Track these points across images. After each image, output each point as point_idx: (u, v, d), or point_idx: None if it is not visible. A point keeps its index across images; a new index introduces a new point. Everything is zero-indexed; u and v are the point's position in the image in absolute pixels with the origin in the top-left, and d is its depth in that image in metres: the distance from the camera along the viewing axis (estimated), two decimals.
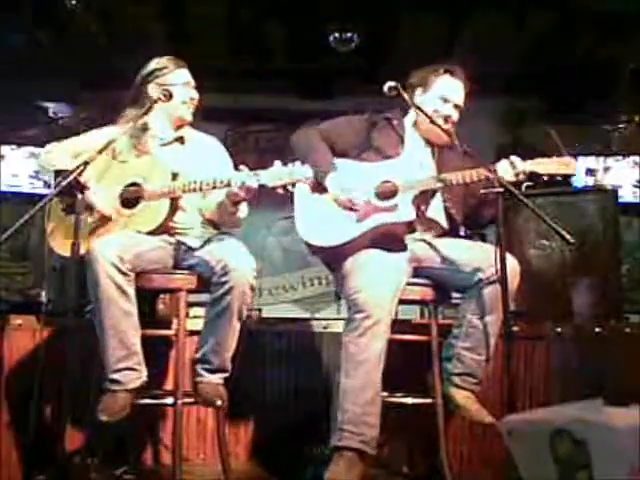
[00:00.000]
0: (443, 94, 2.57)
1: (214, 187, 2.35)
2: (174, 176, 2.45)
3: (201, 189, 2.37)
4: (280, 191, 2.25)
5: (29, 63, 4.91)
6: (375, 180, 2.50)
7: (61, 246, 2.47)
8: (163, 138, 2.62)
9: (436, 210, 2.57)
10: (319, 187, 2.49)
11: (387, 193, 2.47)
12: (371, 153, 2.57)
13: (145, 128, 2.59)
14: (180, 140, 2.64)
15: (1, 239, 2.01)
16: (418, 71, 2.67)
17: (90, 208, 2.42)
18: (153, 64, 2.62)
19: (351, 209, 2.45)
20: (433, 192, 2.53)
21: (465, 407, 2.35)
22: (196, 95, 2.64)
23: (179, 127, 2.65)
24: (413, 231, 2.53)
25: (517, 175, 2.36)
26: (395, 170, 2.50)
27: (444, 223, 2.58)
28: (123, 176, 2.50)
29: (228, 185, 2.31)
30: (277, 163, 2.24)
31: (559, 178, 2.35)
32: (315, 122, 2.67)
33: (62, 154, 2.52)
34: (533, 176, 2.35)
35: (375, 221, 2.44)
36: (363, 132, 2.62)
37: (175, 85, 2.55)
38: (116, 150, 2.54)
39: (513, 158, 2.38)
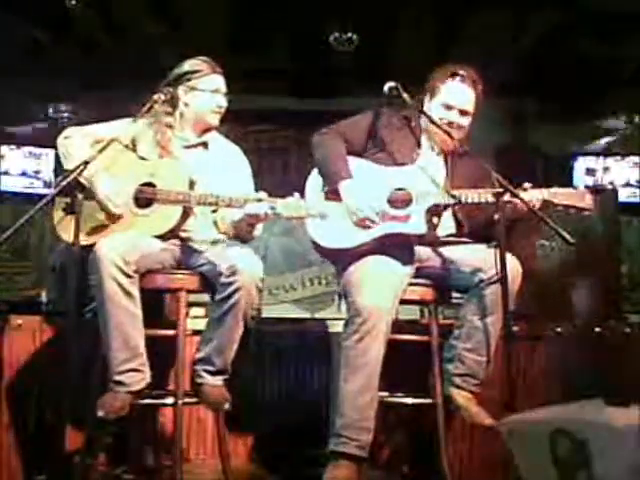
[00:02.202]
0: (446, 101, 2.52)
1: (229, 205, 2.33)
2: (191, 184, 2.43)
3: (217, 204, 2.35)
4: (294, 222, 2.29)
5: (29, 63, 4.91)
6: (389, 186, 2.46)
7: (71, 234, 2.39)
8: (187, 140, 2.59)
9: (445, 218, 2.53)
10: (333, 194, 2.47)
11: (400, 201, 2.44)
12: (386, 155, 2.53)
13: (170, 126, 2.55)
14: (204, 145, 2.61)
15: (1, 239, 2.00)
16: (433, 72, 2.60)
17: (102, 201, 2.38)
18: (187, 65, 2.54)
19: (364, 226, 2.41)
20: (446, 205, 2.48)
21: (465, 408, 2.35)
22: (225, 103, 2.58)
23: (204, 131, 2.62)
24: (422, 243, 2.48)
25: (534, 200, 2.31)
26: (410, 178, 2.47)
27: (452, 231, 2.55)
28: (140, 174, 2.46)
29: (242, 207, 2.30)
30: (296, 195, 2.24)
31: (572, 210, 2.35)
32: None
33: (81, 141, 2.47)
34: (548, 205, 2.33)
35: (385, 229, 2.40)
36: (380, 130, 2.57)
37: (204, 91, 2.51)
38: (137, 144, 2.51)
39: (526, 185, 2.33)
